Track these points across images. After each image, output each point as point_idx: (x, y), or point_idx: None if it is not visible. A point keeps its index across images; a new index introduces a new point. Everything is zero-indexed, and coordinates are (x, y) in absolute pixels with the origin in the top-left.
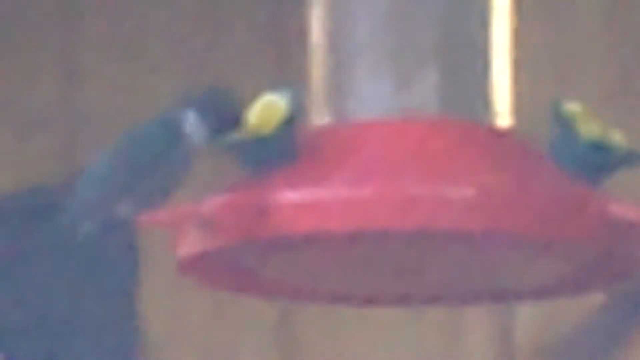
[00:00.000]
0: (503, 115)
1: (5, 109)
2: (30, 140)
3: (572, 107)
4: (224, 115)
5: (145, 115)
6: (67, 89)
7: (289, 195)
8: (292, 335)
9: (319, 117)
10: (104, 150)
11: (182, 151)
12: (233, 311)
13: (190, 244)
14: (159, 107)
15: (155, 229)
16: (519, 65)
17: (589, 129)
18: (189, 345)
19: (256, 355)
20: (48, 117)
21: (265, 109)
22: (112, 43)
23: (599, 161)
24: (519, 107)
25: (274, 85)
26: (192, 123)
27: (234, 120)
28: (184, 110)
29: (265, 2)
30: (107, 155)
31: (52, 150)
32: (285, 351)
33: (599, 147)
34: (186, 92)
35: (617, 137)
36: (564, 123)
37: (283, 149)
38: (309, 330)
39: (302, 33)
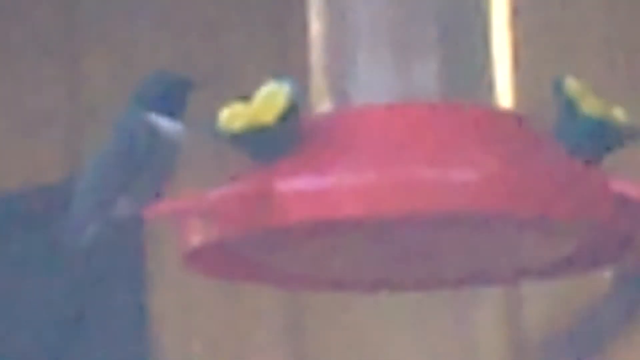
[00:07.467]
0: (504, 96)
1: (11, 106)
2: (35, 136)
3: (574, 84)
4: (176, 97)
5: None
6: (71, 85)
7: (294, 184)
8: (302, 325)
9: (321, 104)
10: (95, 153)
11: (165, 143)
12: (243, 303)
13: (194, 236)
14: None
15: (160, 225)
16: (520, 45)
17: (591, 106)
18: (199, 337)
19: (267, 345)
20: (53, 112)
21: (267, 98)
22: (112, 38)
23: (601, 138)
24: (521, 87)
25: (275, 75)
26: (159, 120)
27: (183, 95)
28: (145, 112)
29: None
30: (98, 158)
31: (57, 145)
32: (296, 341)
33: (601, 124)
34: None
35: (619, 114)
36: (566, 100)
37: (286, 138)
38: (319, 320)
39: (302, 20)
